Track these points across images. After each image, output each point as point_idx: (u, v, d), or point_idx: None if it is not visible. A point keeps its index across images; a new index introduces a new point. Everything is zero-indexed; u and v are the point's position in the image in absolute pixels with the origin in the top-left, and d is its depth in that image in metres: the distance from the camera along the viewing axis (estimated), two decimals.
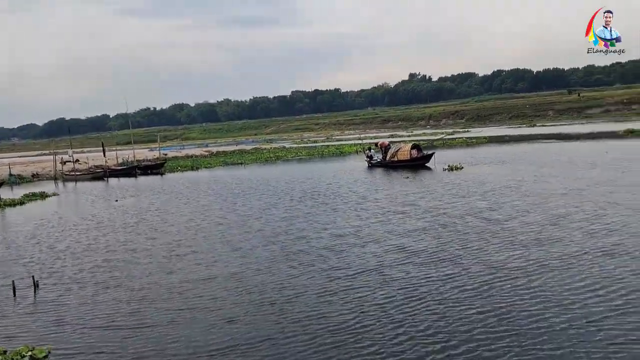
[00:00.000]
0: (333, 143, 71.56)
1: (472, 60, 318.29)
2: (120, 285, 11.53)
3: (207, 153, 60.07)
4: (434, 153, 33.60)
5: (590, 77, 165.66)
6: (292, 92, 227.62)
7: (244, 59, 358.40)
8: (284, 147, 67.42)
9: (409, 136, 75.60)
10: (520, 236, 12.68)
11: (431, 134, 75.94)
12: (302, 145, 73.01)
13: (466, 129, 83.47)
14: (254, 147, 70.32)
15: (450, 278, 10.11)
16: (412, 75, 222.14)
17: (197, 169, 43.25)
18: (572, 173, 22.82)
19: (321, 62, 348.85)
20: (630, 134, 45.50)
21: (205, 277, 11.61)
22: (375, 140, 51.78)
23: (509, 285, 9.42)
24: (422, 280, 10.11)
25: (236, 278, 11.36)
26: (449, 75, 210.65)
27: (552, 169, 24.65)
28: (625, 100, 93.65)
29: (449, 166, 29.39)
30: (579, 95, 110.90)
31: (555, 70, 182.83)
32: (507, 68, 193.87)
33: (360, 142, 53.96)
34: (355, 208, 18.79)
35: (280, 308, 9.36)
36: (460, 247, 12.16)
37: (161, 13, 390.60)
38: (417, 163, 32.85)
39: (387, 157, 34.45)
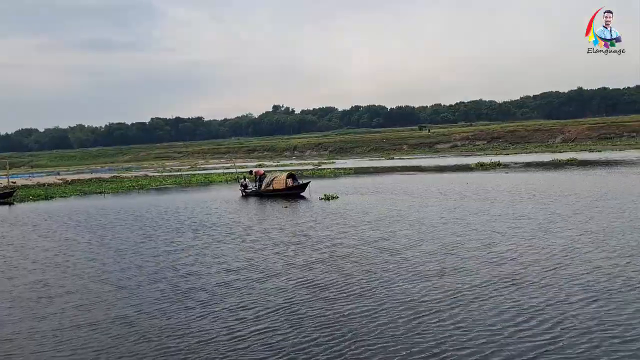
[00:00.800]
0: (200, 172, 69.36)
1: (333, 95, 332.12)
2: None
3: (61, 181, 54.61)
4: (309, 182, 33.62)
5: (437, 115, 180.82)
6: (152, 118, 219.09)
7: (100, 83, 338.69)
8: (147, 176, 63.88)
9: (275, 166, 75.74)
10: (421, 266, 12.65)
11: (298, 164, 76.83)
12: (166, 174, 69.76)
13: (331, 160, 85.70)
14: (113, 175, 65.72)
15: (367, 314, 9.59)
16: (275, 107, 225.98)
17: (52, 198, 39.02)
18: (446, 203, 23.89)
19: (183, 89, 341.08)
20: (481, 166, 49.49)
21: (87, 323, 9.97)
22: (244, 169, 50.99)
23: (430, 319, 9.13)
24: (340, 318, 9.47)
25: (126, 323, 9.87)
26: (311, 108, 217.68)
27: (426, 200, 25.66)
28: (470, 136, 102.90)
29: (325, 195, 29.41)
30: (429, 131, 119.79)
31: (407, 107, 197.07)
32: (364, 104, 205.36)
33: (234, 170, 52.66)
34: (244, 239, 17.79)
35: (184, 358, 8.20)
36: (368, 280, 11.78)
37: (5, 32, 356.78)
38: (293, 192, 32.63)
39: (263, 186, 33.84)
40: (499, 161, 53.04)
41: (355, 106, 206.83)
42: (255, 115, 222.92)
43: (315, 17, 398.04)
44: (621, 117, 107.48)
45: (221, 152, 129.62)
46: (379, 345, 8.17)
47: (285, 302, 10.55)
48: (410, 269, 12.44)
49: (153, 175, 64.36)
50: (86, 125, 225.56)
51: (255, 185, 34.78)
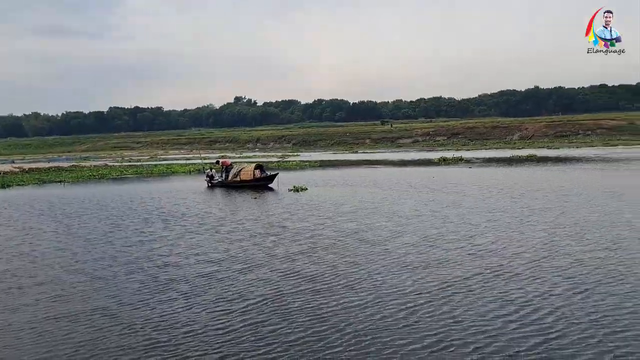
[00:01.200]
0: (160, 162, 67.96)
1: (295, 88, 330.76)
2: None
3: (17, 169, 52.67)
4: (277, 174, 33.32)
5: (398, 110, 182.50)
6: (110, 107, 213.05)
7: (56, 70, 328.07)
8: (107, 165, 62.19)
9: (239, 158, 74.85)
10: (406, 258, 12.54)
11: (262, 157, 76.17)
12: (126, 163, 68.06)
13: (295, 153, 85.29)
14: (71, 164, 63.71)
15: (360, 306, 9.42)
16: (237, 99, 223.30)
17: (9, 186, 37.41)
18: (418, 196, 23.96)
19: (142, 78, 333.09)
20: (444, 161, 50.09)
21: (66, 314, 9.48)
22: (208, 161, 50.10)
23: (425, 312, 9.03)
24: (334, 309, 9.27)
25: (108, 314, 9.43)
26: (274, 101, 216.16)
27: (397, 192, 25.70)
28: (431, 132, 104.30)
29: (294, 187, 29.14)
30: (391, 126, 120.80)
31: (369, 102, 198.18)
32: (327, 98, 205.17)
33: (200, 161, 51.59)
34: (218, 230, 17.38)
35: (175, 352, 7.88)
36: (356, 271, 11.60)
37: None
38: (261, 183, 32.25)
39: (230, 177, 33.33)
40: (461, 156, 53.74)
41: (318, 100, 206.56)
42: (217, 106, 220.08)
43: (279, 10, 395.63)
44: (577, 115, 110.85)
45: (182, 143, 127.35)
46: (377, 338, 8.01)
47: (273, 294, 10.27)
48: (395, 261, 12.34)
49: (113, 165, 62.67)
50: (42, 114, 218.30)
51: (222, 176, 34.23)
